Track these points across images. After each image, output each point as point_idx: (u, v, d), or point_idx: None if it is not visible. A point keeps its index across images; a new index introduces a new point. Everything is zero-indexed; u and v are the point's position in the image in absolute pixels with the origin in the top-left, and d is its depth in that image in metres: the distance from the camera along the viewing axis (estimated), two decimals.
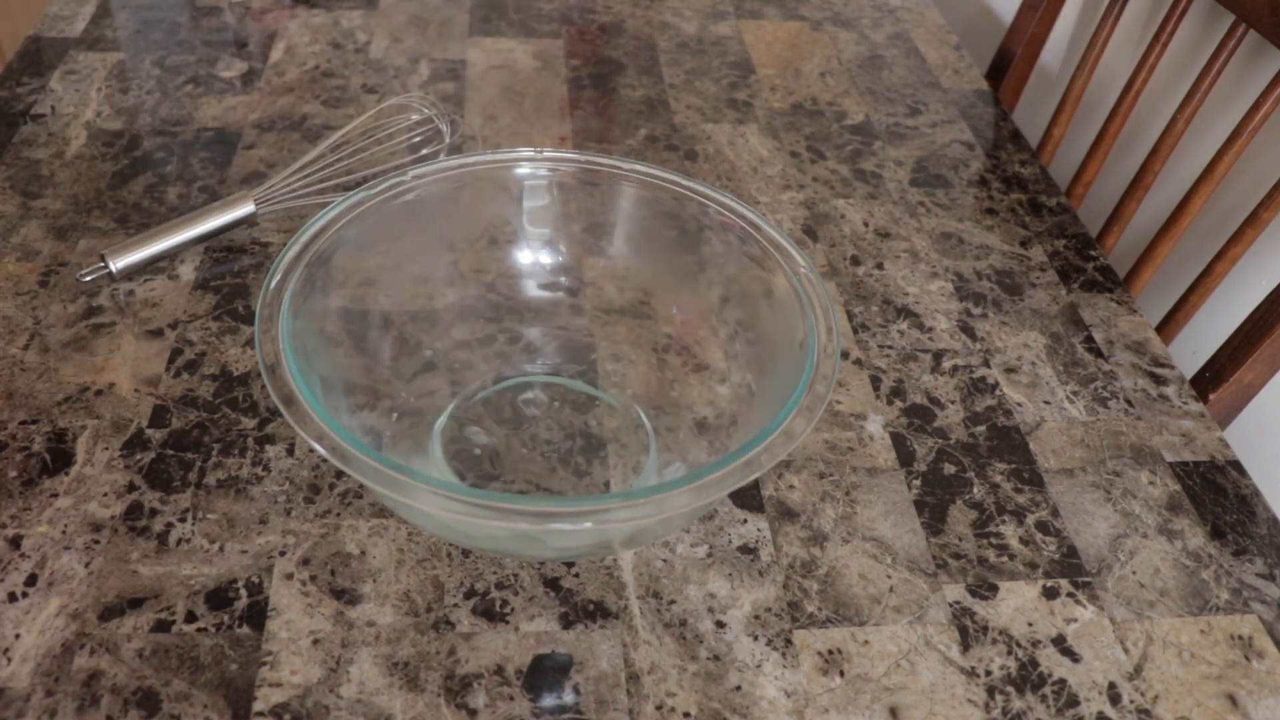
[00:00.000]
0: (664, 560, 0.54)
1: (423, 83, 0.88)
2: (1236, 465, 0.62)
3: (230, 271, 0.69)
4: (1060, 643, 0.52)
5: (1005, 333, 0.69)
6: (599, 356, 0.63)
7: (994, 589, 0.54)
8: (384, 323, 0.59)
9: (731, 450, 0.48)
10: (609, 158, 0.60)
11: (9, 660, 0.47)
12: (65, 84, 0.85)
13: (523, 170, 0.60)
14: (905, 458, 0.60)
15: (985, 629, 0.52)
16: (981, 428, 0.62)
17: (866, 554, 0.55)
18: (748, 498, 0.57)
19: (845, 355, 0.67)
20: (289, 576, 0.52)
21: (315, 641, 0.49)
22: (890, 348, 0.67)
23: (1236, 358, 0.77)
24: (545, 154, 0.60)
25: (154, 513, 0.54)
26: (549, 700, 0.48)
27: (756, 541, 0.55)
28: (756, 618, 0.52)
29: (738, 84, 0.92)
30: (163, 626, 0.49)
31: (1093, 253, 0.77)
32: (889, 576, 0.54)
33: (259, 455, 0.57)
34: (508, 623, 0.51)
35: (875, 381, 0.65)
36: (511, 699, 0.48)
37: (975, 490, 0.59)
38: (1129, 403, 0.65)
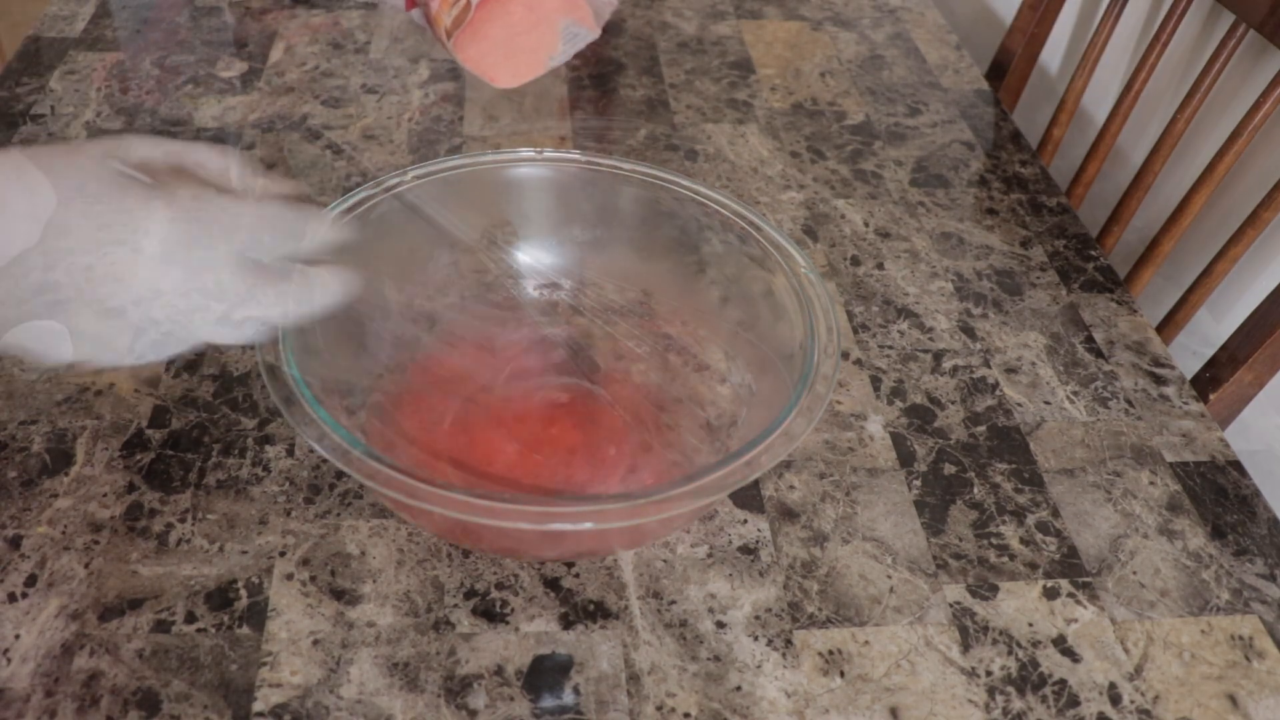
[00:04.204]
0: (664, 560, 0.54)
1: (422, 82, 0.88)
2: (1237, 465, 0.61)
3: None
4: (1060, 643, 0.52)
5: (1005, 333, 0.69)
6: (599, 356, 0.62)
7: (994, 589, 0.54)
8: (384, 322, 0.59)
9: (731, 450, 0.48)
10: (609, 158, 0.60)
11: (9, 661, 0.47)
12: (65, 84, 0.85)
13: (523, 170, 0.60)
14: (905, 458, 0.60)
15: (985, 629, 0.52)
16: (982, 428, 0.62)
17: (867, 554, 0.55)
18: (748, 498, 0.57)
19: (845, 355, 0.67)
20: (289, 577, 0.52)
21: (315, 642, 0.49)
22: (890, 348, 0.67)
23: (1236, 358, 0.77)
24: (545, 154, 0.60)
25: (154, 513, 0.54)
26: (549, 701, 0.48)
27: (757, 542, 0.55)
28: (757, 618, 0.52)
29: (738, 84, 0.92)
30: (163, 627, 0.49)
31: (1093, 253, 0.77)
32: (889, 577, 0.54)
33: (259, 455, 0.57)
34: (508, 623, 0.51)
35: (875, 381, 0.65)
36: (511, 699, 0.48)
37: (975, 490, 0.59)
38: (1129, 403, 0.65)
